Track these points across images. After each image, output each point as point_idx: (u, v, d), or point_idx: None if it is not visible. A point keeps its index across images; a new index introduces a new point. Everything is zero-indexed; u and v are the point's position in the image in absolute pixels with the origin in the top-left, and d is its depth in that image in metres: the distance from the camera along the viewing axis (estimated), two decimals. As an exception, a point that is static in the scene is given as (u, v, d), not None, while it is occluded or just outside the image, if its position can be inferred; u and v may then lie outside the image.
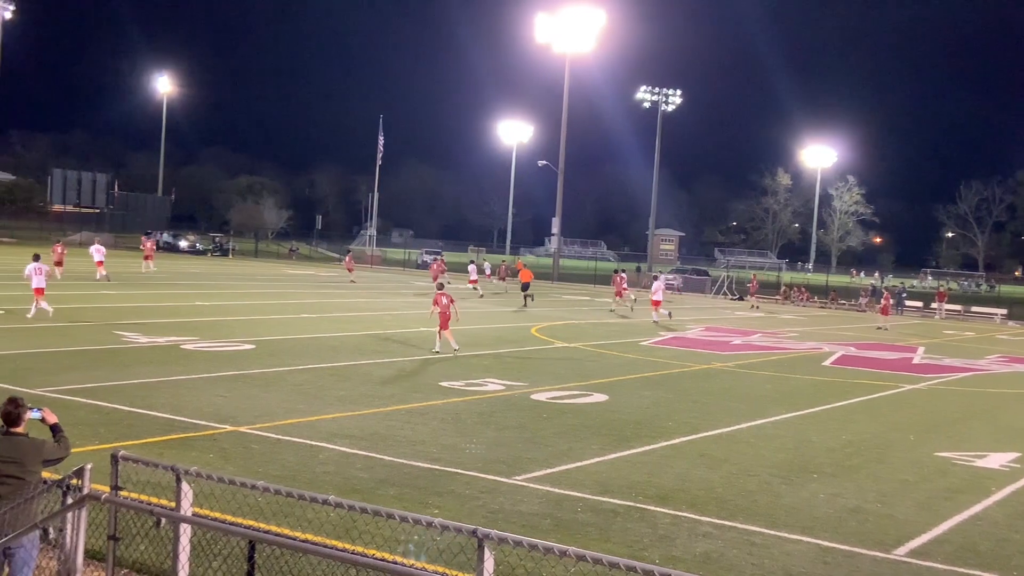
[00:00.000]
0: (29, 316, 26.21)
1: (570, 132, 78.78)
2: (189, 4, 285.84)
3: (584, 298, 52.93)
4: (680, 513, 11.35)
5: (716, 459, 14.34)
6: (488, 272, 57.62)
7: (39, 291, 26.83)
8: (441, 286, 26.65)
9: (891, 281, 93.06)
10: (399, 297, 43.40)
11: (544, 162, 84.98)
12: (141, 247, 54.99)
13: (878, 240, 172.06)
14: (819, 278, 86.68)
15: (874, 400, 21.58)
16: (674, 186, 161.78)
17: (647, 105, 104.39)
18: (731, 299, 63.31)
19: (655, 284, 41.58)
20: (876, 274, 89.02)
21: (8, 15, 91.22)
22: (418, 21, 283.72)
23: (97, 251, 43.76)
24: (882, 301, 47.34)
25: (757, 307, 54.84)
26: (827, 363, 28.21)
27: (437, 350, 24.35)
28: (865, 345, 34.60)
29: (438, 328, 24.72)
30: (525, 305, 42.85)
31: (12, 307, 28.67)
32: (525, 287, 44.82)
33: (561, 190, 79.32)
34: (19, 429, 7.73)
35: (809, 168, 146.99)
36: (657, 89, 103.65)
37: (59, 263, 41.42)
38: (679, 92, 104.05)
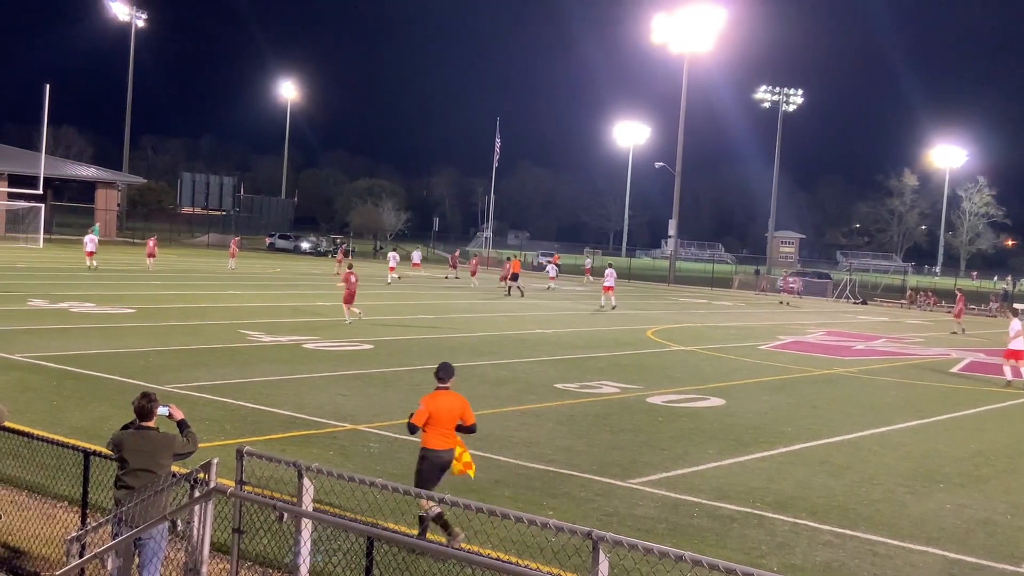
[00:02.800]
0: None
1: (688, 133, 78.04)
2: (313, 13, 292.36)
3: (701, 301, 52.32)
4: (800, 521, 11.12)
5: (838, 466, 14.00)
6: (553, 274, 58.50)
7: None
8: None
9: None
10: (514, 299, 43.58)
11: (661, 164, 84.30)
12: (231, 253, 56.86)
13: (1010, 243, 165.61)
14: (947, 282, 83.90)
15: (1006, 409, 20.78)
16: (794, 187, 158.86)
17: (767, 105, 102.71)
18: (853, 303, 61.74)
19: (607, 271, 43.65)
20: (1008, 278, 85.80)
21: (141, 24, 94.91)
22: (535, 24, 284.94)
23: (91, 241, 47.36)
24: (957, 304, 42.77)
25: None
26: (955, 370, 27.28)
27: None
28: (996, 351, 33.31)
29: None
30: (508, 294, 45.43)
31: (143, 306, 29.76)
32: (514, 278, 47.16)
33: (678, 192, 78.57)
34: (151, 423, 8.02)
35: (937, 169, 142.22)
36: (777, 89, 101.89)
37: (152, 255, 48.79)
38: (800, 92, 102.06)
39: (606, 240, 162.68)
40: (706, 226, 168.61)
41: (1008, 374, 24.31)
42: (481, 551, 7.41)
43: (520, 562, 8.18)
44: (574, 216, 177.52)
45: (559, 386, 19.58)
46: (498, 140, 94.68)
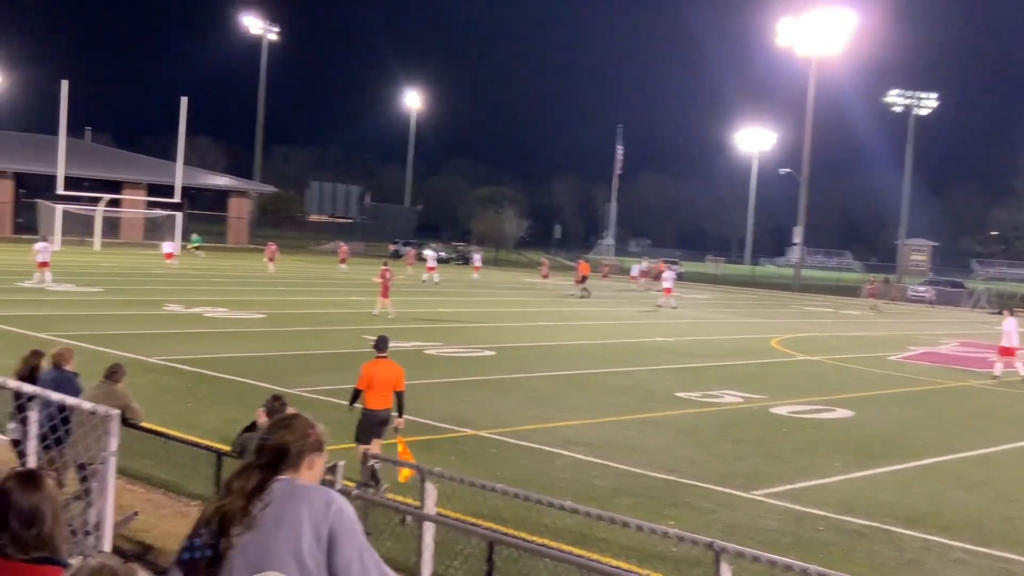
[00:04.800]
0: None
1: (814, 138, 76.37)
2: (437, 24, 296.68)
3: (827, 310, 51.12)
4: (930, 537, 10.76)
5: (971, 481, 13.51)
6: (635, 274, 58.09)
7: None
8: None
9: None
10: (635, 306, 43.34)
11: (786, 170, 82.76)
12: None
13: None
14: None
15: None
16: (926, 194, 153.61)
17: (898, 109, 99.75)
18: (990, 312, 59.45)
19: (666, 274, 44.87)
20: None
21: (273, 37, 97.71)
22: (658, 30, 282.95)
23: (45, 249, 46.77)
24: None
25: None
26: (1099, 383, 26.01)
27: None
28: None
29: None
30: (579, 296, 46.11)
31: (272, 311, 30.59)
32: (583, 280, 47.86)
33: (804, 198, 76.97)
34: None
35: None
36: (909, 92, 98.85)
37: (272, 259, 51.11)
38: (934, 95, 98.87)
39: (728, 247, 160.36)
40: (833, 233, 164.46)
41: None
42: (602, 559, 7.40)
43: (641, 571, 8.13)
44: (696, 223, 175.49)
45: (680, 395, 19.39)
46: (620, 147, 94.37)
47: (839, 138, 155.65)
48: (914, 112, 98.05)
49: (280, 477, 3.59)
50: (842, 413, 18.50)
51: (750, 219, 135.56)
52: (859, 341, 34.01)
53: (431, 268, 52.15)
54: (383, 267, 32.61)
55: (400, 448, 9.81)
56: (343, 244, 66.07)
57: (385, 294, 31.33)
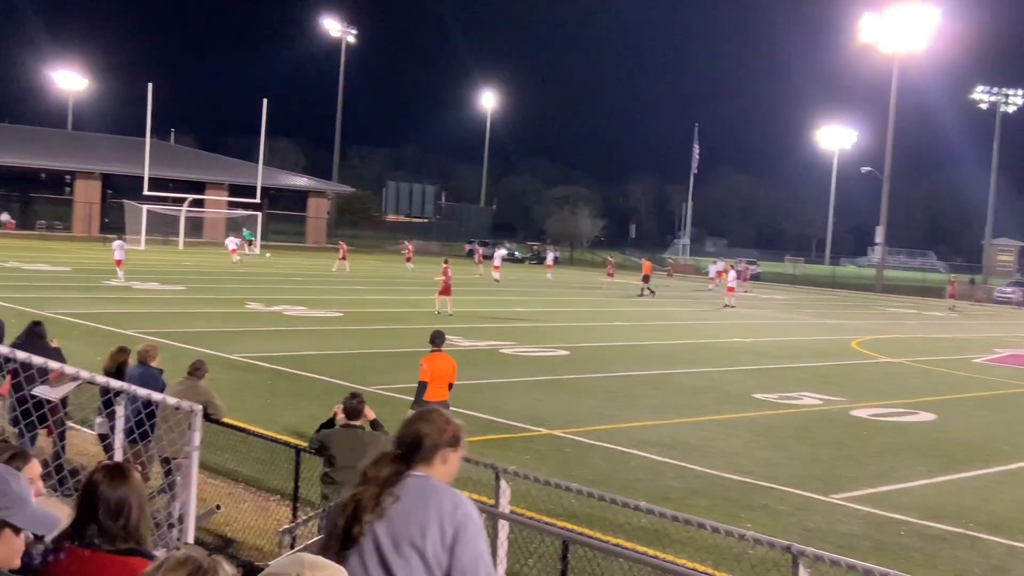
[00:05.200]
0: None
1: (897, 136, 74.87)
2: (512, 24, 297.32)
3: (910, 311, 50.10)
4: (1017, 543, 10.50)
5: (1060, 489, 13.14)
6: (712, 275, 57.57)
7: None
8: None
9: None
10: (712, 306, 42.96)
11: (868, 168, 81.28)
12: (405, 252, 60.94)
13: None
14: None
15: None
16: (1014, 192, 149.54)
17: (984, 106, 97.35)
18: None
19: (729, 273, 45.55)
20: None
21: (351, 40, 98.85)
22: (735, 28, 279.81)
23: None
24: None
25: None
26: None
27: None
28: None
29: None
30: (641, 295, 46.35)
31: (350, 310, 30.96)
32: (646, 279, 48.05)
33: (886, 197, 75.51)
34: (358, 422, 8.36)
35: None
36: (995, 89, 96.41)
37: (343, 258, 52.38)
38: (1020, 92, 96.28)
39: (808, 248, 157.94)
40: (916, 233, 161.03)
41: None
42: (676, 560, 7.36)
43: (717, 573, 8.07)
44: (775, 223, 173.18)
45: (758, 396, 19.17)
46: (696, 146, 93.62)
47: (922, 136, 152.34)
48: (1000, 109, 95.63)
49: (415, 473, 3.68)
50: (925, 416, 18.12)
51: (830, 218, 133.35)
52: (943, 343, 33.27)
53: (496, 267, 52.60)
54: (444, 265, 32.90)
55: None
56: (408, 243, 67.36)
57: (446, 291, 31.31)
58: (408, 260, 59.45)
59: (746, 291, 57.02)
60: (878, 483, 12.85)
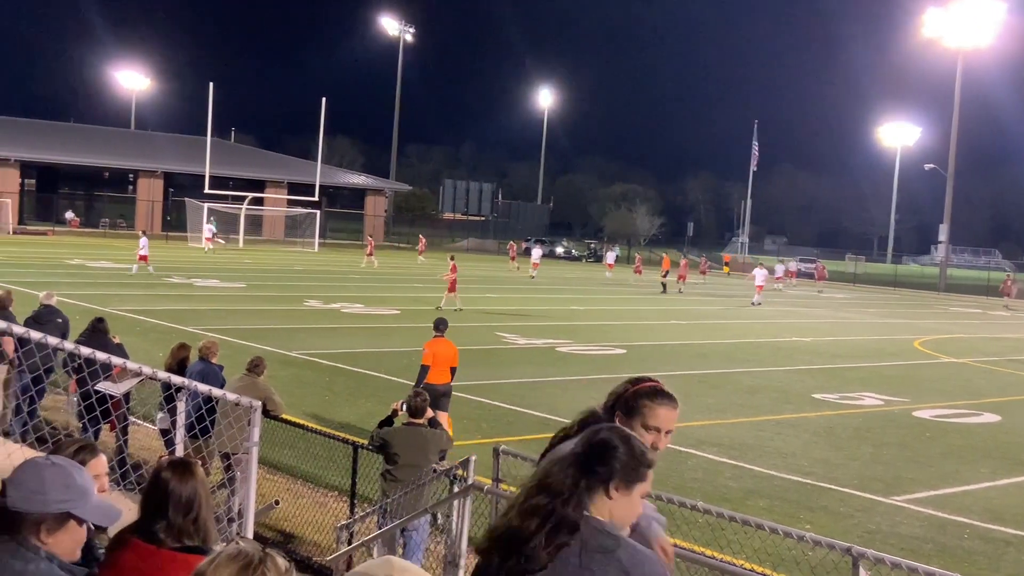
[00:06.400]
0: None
1: (961, 132, 73.48)
2: (569, 21, 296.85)
3: (975, 310, 49.18)
4: (1085, 550, 10.25)
5: None
6: (779, 274, 56.96)
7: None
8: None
9: None
10: (771, 306, 42.51)
11: (931, 165, 79.92)
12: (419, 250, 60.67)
13: None
14: None
15: None
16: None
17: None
18: None
19: (757, 271, 44.56)
20: None
21: (409, 38, 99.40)
22: (795, 24, 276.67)
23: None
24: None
25: None
26: None
27: None
28: None
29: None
30: (670, 290, 46.43)
31: (406, 307, 31.12)
32: (667, 275, 47.90)
33: (950, 194, 74.21)
34: (420, 421, 8.40)
35: None
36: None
37: (370, 254, 52.97)
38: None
39: (869, 246, 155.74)
40: (981, 231, 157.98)
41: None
42: (734, 561, 7.29)
43: (776, 575, 7.98)
44: (835, 221, 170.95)
45: (817, 396, 18.95)
46: (755, 143, 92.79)
47: (988, 132, 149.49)
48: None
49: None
50: (989, 418, 17.78)
51: (892, 216, 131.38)
52: (1008, 343, 32.61)
53: (535, 264, 53.07)
54: (451, 262, 33.60)
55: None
56: (422, 237, 69.34)
57: (452, 288, 31.62)
58: (420, 253, 60.84)
59: (819, 291, 56.60)
60: (941, 485, 12.64)
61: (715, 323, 33.33)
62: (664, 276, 48.06)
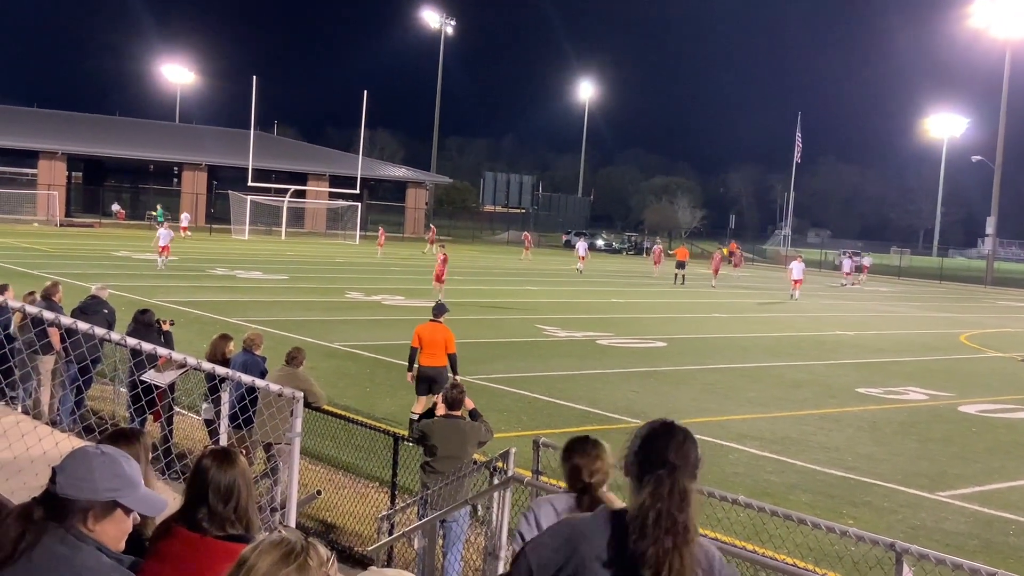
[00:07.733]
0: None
1: (1009, 123, 72.41)
2: (611, 14, 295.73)
3: (1022, 304, 48.46)
4: None
5: None
6: (847, 270, 56.26)
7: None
8: None
9: None
10: (812, 299, 42.13)
11: (979, 157, 78.81)
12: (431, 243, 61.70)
13: None
14: None
15: None
16: None
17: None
18: None
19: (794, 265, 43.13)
20: None
21: (450, 31, 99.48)
22: (839, 14, 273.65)
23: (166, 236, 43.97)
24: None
25: None
26: None
27: None
28: None
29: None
30: (677, 281, 45.68)
31: (446, 299, 31.14)
32: (680, 265, 46.92)
33: (998, 187, 73.11)
34: (459, 412, 8.42)
35: None
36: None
37: (380, 244, 53.70)
38: None
39: (914, 238, 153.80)
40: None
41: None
42: (776, 556, 7.24)
43: (818, 570, 7.92)
44: (880, 214, 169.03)
45: (861, 390, 18.76)
46: (799, 136, 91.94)
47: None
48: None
49: None
50: (1037, 413, 17.52)
51: (938, 209, 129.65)
52: (1057, 338, 32.08)
53: (582, 258, 52.62)
54: (442, 250, 33.08)
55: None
56: (432, 227, 69.58)
57: (439, 279, 30.86)
58: (431, 242, 60.56)
59: (853, 283, 55.80)
60: (987, 481, 12.48)
61: (756, 316, 33.11)
62: (679, 268, 46.78)
